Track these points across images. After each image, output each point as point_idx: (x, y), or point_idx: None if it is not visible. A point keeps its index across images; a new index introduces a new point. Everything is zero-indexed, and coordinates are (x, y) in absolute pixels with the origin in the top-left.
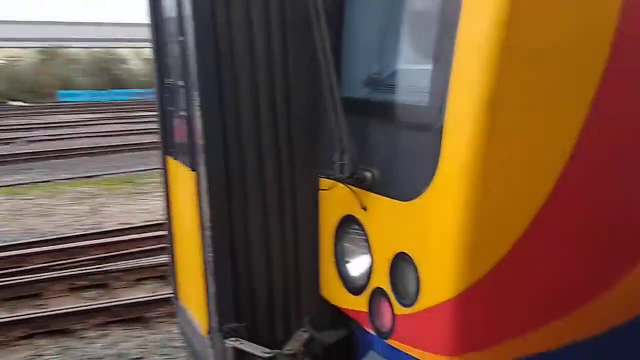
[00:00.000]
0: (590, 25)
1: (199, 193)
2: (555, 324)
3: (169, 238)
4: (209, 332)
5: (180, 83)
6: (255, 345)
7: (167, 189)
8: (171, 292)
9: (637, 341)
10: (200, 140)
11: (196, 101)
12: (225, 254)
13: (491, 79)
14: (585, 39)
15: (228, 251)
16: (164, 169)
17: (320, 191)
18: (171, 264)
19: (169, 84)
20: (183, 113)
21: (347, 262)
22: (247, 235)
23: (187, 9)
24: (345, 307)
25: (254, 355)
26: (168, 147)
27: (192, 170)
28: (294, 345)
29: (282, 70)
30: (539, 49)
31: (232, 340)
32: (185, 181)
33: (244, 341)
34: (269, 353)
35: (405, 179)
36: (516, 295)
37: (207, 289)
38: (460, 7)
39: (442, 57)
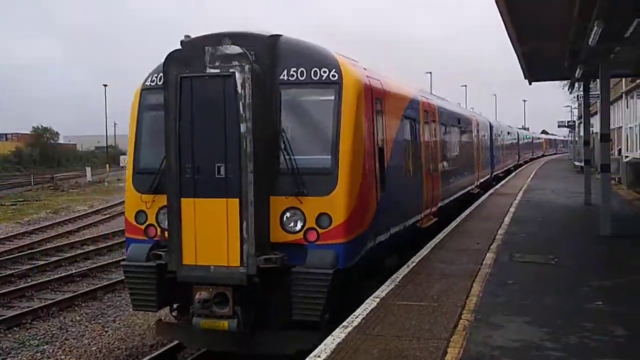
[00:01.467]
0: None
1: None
2: (366, 225)
3: (176, 238)
4: (242, 262)
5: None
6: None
7: (178, 216)
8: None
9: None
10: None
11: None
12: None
13: (349, 160)
14: (367, 144)
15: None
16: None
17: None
18: (174, 249)
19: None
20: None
21: (291, 223)
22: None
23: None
24: (284, 240)
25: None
26: (184, 194)
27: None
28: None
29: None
30: (358, 150)
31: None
32: (215, 207)
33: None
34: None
35: (325, 189)
36: (357, 218)
37: (242, 244)
38: (340, 125)
39: (334, 151)
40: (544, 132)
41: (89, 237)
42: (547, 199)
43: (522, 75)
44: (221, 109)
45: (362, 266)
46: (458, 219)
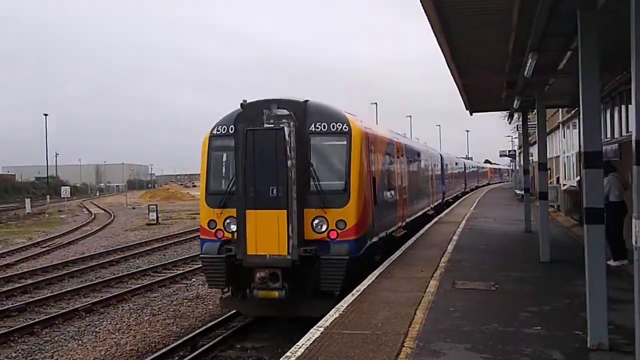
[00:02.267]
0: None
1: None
2: (367, 229)
3: (242, 236)
4: (288, 252)
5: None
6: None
7: (244, 222)
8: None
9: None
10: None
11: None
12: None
13: (357, 184)
14: (366, 174)
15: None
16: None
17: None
18: (241, 243)
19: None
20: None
21: (319, 226)
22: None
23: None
24: (314, 238)
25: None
26: (248, 207)
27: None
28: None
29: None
30: (361, 178)
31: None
32: (270, 215)
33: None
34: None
35: (341, 203)
36: (362, 224)
37: (289, 239)
38: (352, 157)
39: (346, 178)
40: (487, 161)
41: (27, 270)
42: (489, 227)
43: (464, 106)
44: (274, 150)
45: (364, 257)
46: (403, 248)
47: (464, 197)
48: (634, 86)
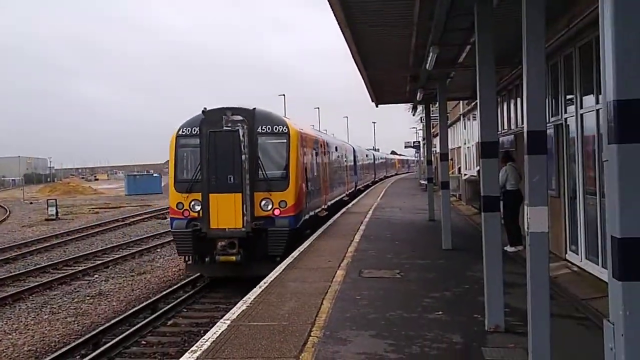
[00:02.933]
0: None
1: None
2: (301, 208)
3: (206, 214)
4: (243, 225)
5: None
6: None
7: (207, 203)
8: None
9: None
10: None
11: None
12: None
13: (294, 173)
14: (300, 165)
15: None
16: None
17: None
18: (205, 220)
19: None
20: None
21: (266, 206)
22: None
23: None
24: (262, 215)
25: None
26: (211, 191)
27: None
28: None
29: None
30: (297, 168)
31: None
32: (228, 198)
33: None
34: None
35: (282, 188)
36: (298, 204)
37: (243, 216)
38: (290, 153)
39: (286, 168)
40: (393, 152)
41: None
42: (395, 216)
43: (370, 98)
44: (231, 147)
45: (299, 230)
46: (310, 239)
47: (374, 186)
48: (525, 80)
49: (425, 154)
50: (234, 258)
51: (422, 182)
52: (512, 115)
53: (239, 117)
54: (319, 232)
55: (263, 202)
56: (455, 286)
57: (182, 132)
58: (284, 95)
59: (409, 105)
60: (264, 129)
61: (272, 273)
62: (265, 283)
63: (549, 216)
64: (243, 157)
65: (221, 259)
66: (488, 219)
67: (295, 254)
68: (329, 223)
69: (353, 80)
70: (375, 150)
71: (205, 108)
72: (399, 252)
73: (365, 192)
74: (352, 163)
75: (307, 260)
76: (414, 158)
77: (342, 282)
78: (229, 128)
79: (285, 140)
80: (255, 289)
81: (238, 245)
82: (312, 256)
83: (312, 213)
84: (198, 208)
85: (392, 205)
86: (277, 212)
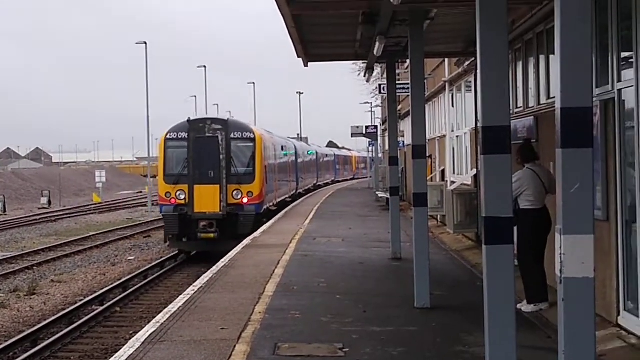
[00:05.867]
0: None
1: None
2: (263, 198)
3: (190, 200)
4: (220, 209)
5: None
6: None
7: (192, 192)
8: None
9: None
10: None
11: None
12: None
13: (259, 169)
14: (263, 164)
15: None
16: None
17: None
18: (190, 205)
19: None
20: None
21: (237, 195)
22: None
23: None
24: (234, 202)
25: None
26: (196, 182)
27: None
28: None
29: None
30: (261, 166)
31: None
32: (209, 188)
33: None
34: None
35: (249, 181)
36: (261, 195)
37: (220, 202)
38: (256, 154)
39: (252, 166)
40: (331, 144)
41: None
42: (334, 252)
43: (295, 53)
44: (212, 149)
45: (262, 216)
46: (190, 291)
47: (307, 195)
48: (559, 21)
49: (388, 146)
50: (212, 235)
51: (381, 194)
52: (532, 83)
53: (219, 126)
54: (202, 281)
55: (234, 192)
56: None
57: (170, 136)
58: (205, 67)
59: (359, 66)
60: (236, 135)
61: (120, 351)
62: None
63: (595, 252)
64: (221, 157)
65: (202, 236)
66: (492, 256)
67: (161, 318)
68: (223, 262)
69: (266, 26)
70: (300, 139)
71: (189, 118)
72: (341, 313)
73: (275, 217)
74: (294, 162)
75: (186, 327)
76: (364, 155)
77: None
78: (211, 134)
79: (252, 144)
80: None
81: (216, 225)
82: (194, 320)
83: (267, 205)
84: (183, 197)
85: (329, 233)
86: (245, 200)
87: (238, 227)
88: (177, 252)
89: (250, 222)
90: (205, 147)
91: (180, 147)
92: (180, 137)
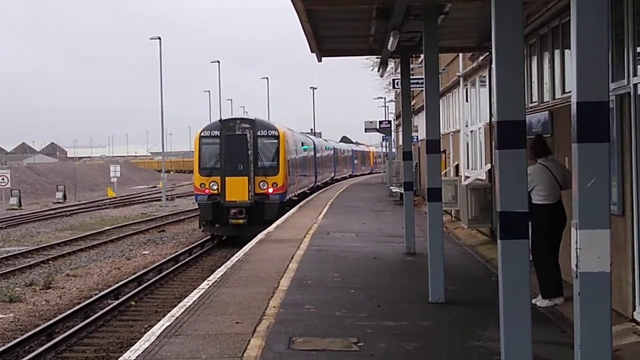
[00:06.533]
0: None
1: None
2: (287, 188)
3: (222, 191)
4: (248, 198)
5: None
6: None
7: (224, 183)
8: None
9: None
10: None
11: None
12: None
13: (283, 163)
14: (287, 158)
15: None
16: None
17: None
18: (222, 194)
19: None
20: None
21: (263, 186)
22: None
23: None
24: (261, 192)
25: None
26: (227, 175)
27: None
28: None
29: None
30: (285, 160)
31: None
32: (239, 180)
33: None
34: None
35: (275, 174)
36: (285, 186)
37: (248, 192)
38: (279, 150)
39: (277, 160)
40: (344, 139)
41: None
42: (348, 247)
43: (309, 48)
44: (242, 146)
45: (285, 204)
46: (205, 285)
47: (325, 188)
48: (575, 15)
49: (402, 141)
50: (242, 221)
51: (395, 189)
52: (547, 78)
53: (247, 125)
54: (217, 275)
55: (261, 183)
56: None
57: (204, 133)
58: (218, 62)
59: (373, 61)
60: (262, 133)
61: (137, 344)
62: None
63: (611, 247)
64: (249, 152)
65: (232, 222)
66: (508, 250)
67: (176, 311)
68: (237, 257)
69: (281, 23)
70: (314, 134)
71: (221, 118)
72: (355, 308)
73: (290, 211)
74: (313, 157)
75: (201, 322)
76: (379, 149)
77: (260, 358)
78: (240, 132)
79: (276, 141)
80: None
81: (245, 212)
82: (209, 314)
83: (290, 195)
84: (215, 187)
85: (343, 228)
86: (270, 190)
87: (265, 213)
88: (190, 246)
89: (275, 209)
90: (235, 143)
91: (213, 143)
92: (213, 134)
